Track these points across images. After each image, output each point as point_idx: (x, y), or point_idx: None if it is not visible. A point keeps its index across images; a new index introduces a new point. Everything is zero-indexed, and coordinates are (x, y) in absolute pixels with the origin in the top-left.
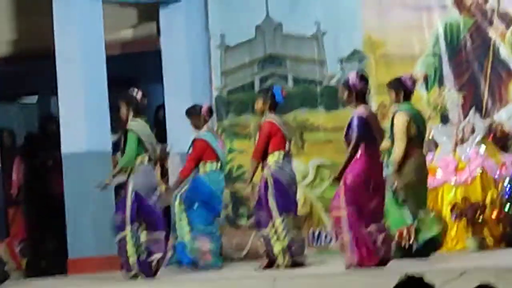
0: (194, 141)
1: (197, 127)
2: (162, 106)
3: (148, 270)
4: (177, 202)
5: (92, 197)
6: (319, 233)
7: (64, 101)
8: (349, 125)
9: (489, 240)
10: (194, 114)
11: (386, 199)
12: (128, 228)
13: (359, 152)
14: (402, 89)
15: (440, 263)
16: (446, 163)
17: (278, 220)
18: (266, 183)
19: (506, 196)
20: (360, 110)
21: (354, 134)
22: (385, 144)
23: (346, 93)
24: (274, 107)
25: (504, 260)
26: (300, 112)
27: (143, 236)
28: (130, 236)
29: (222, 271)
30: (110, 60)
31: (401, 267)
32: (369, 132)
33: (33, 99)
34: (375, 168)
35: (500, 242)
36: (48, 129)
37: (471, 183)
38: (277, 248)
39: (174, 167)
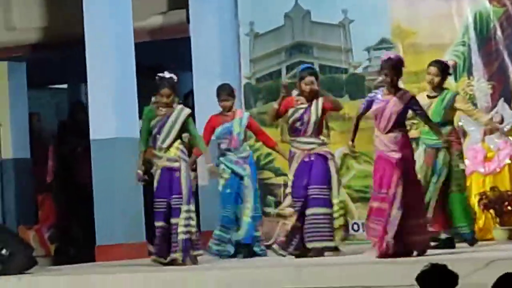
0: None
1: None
2: (190, 94)
3: (193, 258)
4: (245, 182)
5: (120, 184)
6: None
7: (93, 88)
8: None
9: None
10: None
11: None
12: (185, 207)
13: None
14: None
15: (467, 253)
16: (475, 153)
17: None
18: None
19: None
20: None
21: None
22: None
23: (395, 75)
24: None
25: None
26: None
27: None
28: (185, 217)
29: (247, 259)
30: (139, 47)
31: (427, 256)
32: None
33: (64, 86)
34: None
35: None
36: (77, 116)
37: (500, 173)
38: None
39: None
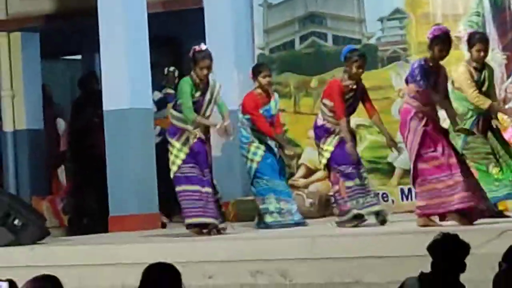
0: None
1: None
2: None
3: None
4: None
5: (133, 155)
6: None
7: (106, 59)
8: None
9: None
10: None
11: None
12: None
13: None
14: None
15: (481, 223)
16: None
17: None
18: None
19: None
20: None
21: None
22: None
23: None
24: None
25: None
26: (339, 71)
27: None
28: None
29: (260, 230)
30: (152, 18)
31: (442, 227)
32: None
33: (78, 57)
34: None
35: None
36: (91, 87)
37: None
38: None
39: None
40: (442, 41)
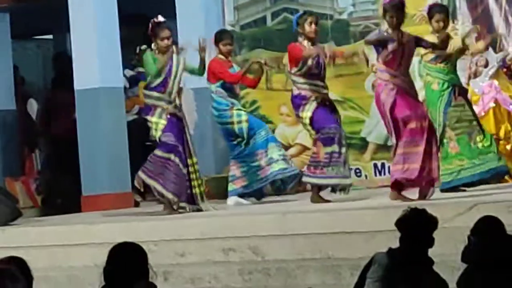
0: None
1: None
2: None
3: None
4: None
5: (105, 134)
6: None
7: (76, 38)
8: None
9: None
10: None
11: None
12: (195, 159)
13: None
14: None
15: (452, 198)
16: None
17: None
18: None
19: None
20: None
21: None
22: None
23: (401, 15)
24: None
25: None
26: None
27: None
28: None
29: (231, 206)
30: None
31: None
32: None
33: (49, 37)
34: None
35: None
36: (62, 66)
37: (485, 117)
38: None
39: (188, 103)
40: (391, 8)
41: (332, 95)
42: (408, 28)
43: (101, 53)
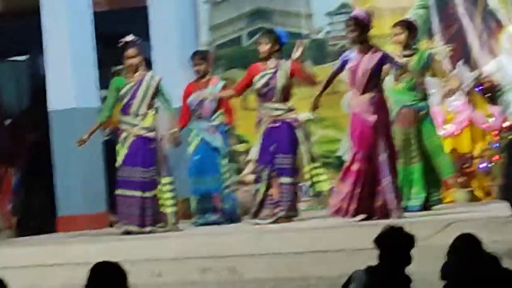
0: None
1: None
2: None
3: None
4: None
5: (80, 155)
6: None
7: (51, 58)
8: (380, 61)
9: (478, 192)
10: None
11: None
12: (168, 179)
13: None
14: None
15: (428, 215)
16: (434, 115)
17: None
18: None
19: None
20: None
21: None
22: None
23: (357, 32)
24: (280, 50)
25: (491, 212)
26: None
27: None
28: (169, 189)
29: (207, 226)
30: (97, 17)
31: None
32: None
33: (24, 57)
34: None
35: (489, 194)
36: (36, 87)
37: (459, 135)
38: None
39: (163, 122)
40: (347, 25)
41: (308, 115)
42: (385, 47)
43: (76, 74)
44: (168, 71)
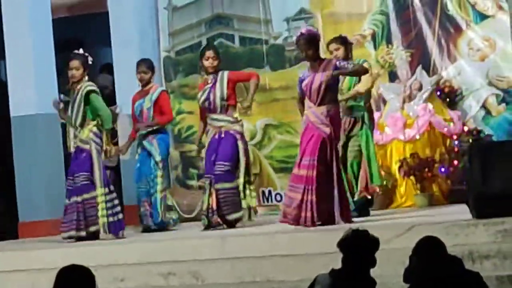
0: (165, 92)
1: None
2: (105, 66)
3: (117, 231)
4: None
5: (42, 160)
6: (269, 192)
7: (12, 64)
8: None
9: (438, 196)
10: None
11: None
12: (103, 190)
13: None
14: (348, 45)
15: (389, 219)
16: (395, 120)
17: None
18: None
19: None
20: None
21: (348, 67)
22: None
23: (313, 49)
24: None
25: (451, 216)
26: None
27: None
28: (104, 200)
29: (172, 231)
30: (57, 23)
31: (349, 224)
32: None
33: None
34: None
35: (449, 198)
36: None
37: (420, 140)
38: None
39: (123, 128)
40: (300, 44)
41: (268, 120)
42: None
43: (37, 79)
44: (128, 76)
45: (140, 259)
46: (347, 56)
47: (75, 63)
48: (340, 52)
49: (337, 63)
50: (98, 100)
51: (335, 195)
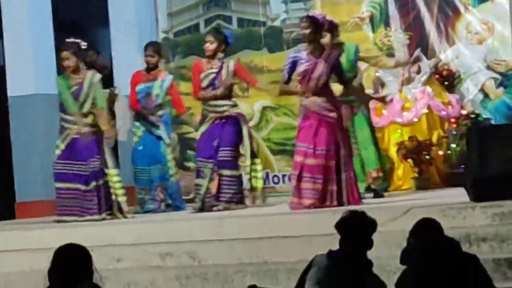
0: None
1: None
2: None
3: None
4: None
5: (39, 141)
6: (267, 174)
7: (10, 44)
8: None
9: (435, 179)
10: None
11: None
12: (116, 171)
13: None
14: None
15: (387, 202)
16: (393, 103)
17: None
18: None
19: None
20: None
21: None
22: None
23: (311, 29)
24: (225, 50)
25: (449, 198)
26: (244, 54)
27: None
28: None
29: (170, 212)
30: (56, 4)
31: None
32: None
33: None
34: None
35: (446, 181)
36: None
37: (418, 123)
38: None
39: (122, 110)
40: (301, 22)
41: (267, 102)
42: (343, 35)
43: (35, 60)
44: (127, 57)
45: (137, 240)
46: (334, 40)
47: (65, 54)
48: (327, 39)
49: (338, 60)
50: (100, 92)
51: (342, 178)
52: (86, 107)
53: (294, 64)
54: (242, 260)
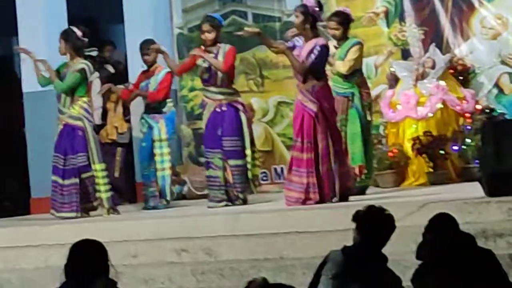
0: (169, 73)
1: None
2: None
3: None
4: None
5: (54, 137)
6: (282, 170)
7: (24, 41)
8: (310, 52)
9: (450, 174)
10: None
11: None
12: (102, 166)
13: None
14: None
15: (402, 197)
16: (407, 98)
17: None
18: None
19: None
20: (323, 40)
21: (317, 61)
22: None
23: (301, 18)
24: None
25: (463, 193)
26: (260, 49)
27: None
28: (103, 175)
29: (185, 208)
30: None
31: (362, 201)
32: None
33: None
34: None
35: (461, 176)
36: (9, 68)
37: (432, 118)
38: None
39: (135, 104)
40: (294, 10)
41: (282, 97)
42: (357, 30)
43: (49, 55)
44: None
45: (153, 235)
46: (344, 37)
47: (60, 43)
48: (339, 33)
49: (316, 48)
50: (72, 77)
51: (321, 171)
52: (68, 96)
53: (293, 48)
54: (257, 255)
